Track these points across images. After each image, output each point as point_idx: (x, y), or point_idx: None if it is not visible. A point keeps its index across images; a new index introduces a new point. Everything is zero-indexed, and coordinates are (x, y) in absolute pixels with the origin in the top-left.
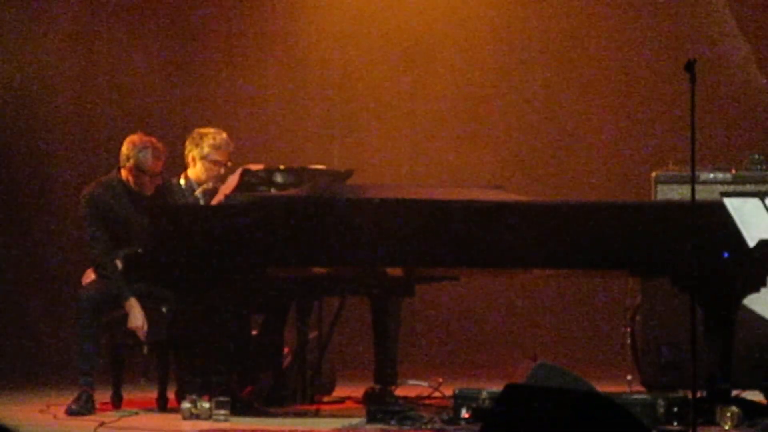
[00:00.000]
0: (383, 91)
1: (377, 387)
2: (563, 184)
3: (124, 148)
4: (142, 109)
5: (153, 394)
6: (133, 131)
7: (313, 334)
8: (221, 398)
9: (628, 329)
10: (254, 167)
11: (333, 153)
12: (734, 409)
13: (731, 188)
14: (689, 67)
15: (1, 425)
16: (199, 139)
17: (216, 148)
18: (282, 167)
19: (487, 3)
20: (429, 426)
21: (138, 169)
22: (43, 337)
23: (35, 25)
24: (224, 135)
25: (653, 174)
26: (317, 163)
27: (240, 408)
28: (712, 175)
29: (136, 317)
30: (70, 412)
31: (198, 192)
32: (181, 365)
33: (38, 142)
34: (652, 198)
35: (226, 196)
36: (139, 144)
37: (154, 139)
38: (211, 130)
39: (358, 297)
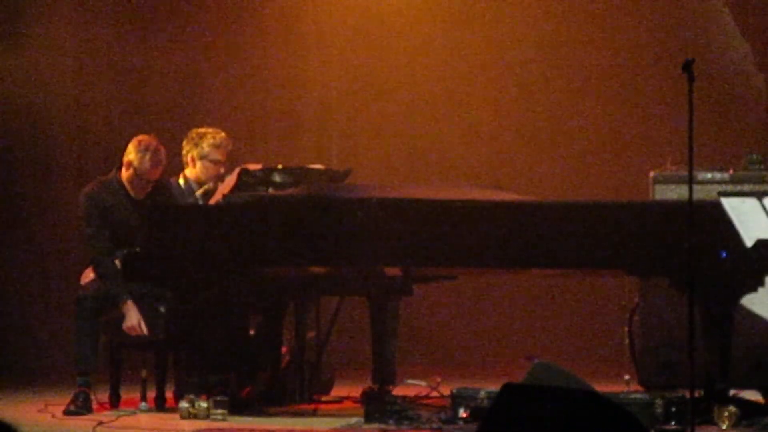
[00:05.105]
0: (381, 91)
1: (375, 386)
2: (561, 184)
3: (130, 144)
4: (141, 109)
5: (151, 393)
6: (133, 132)
7: (311, 334)
8: (219, 398)
9: (626, 329)
10: (252, 167)
11: (331, 153)
12: (732, 408)
13: (729, 188)
14: (687, 67)
15: (3, 423)
16: (198, 138)
17: (216, 147)
18: (280, 167)
19: (484, 3)
20: (427, 425)
21: (133, 168)
22: (41, 336)
23: (34, 25)
24: (223, 134)
25: (651, 174)
26: (315, 163)
27: (238, 407)
28: (709, 175)
29: (131, 318)
30: (68, 413)
31: (199, 193)
32: (179, 365)
33: (38, 142)
34: (650, 198)
35: (224, 196)
36: (143, 144)
37: (161, 147)
38: (210, 129)
39: (356, 296)
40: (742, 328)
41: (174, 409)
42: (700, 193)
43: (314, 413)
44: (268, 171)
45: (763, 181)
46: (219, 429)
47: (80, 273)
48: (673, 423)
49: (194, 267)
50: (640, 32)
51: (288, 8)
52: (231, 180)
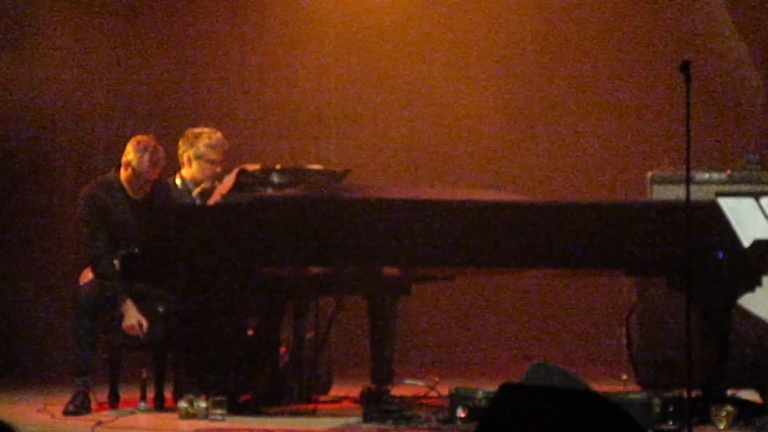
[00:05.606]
0: (380, 90)
1: (374, 386)
2: (559, 184)
3: (128, 144)
4: (141, 110)
5: (150, 393)
6: (132, 132)
7: (309, 334)
8: (218, 398)
9: (624, 328)
10: (251, 167)
11: (329, 153)
12: (729, 408)
13: (726, 188)
14: (684, 68)
15: (2, 423)
16: (194, 138)
17: (212, 147)
18: (278, 167)
19: (482, 3)
20: (425, 425)
21: (132, 168)
22: (41, 336)
23: (36, 30)
24: (219, 134)
25: (649, 174)
26: (313, 163)
27: (237, 407)
28: (707, 176)
29: (130, 318)
30: (67, 413)
31: (195, 192)
32: (178, 365)
33: (38, 144)
34: (648, 198)
35: (223, 196)
36: (142, 144)
37: (159, 146)
38: (206, 129)
39: (355, 296)
40: (740, 327)
41: (173, 409)
42: (698, 193)
43: (313, 413)
44: (267, 171)
45: (760, 182)
46: (218, 429)
47: (80, 273)
48: (670, 422)
49: (193, 267)
50: (638, 33)
51: (286, 9)
52: (229, 180)
